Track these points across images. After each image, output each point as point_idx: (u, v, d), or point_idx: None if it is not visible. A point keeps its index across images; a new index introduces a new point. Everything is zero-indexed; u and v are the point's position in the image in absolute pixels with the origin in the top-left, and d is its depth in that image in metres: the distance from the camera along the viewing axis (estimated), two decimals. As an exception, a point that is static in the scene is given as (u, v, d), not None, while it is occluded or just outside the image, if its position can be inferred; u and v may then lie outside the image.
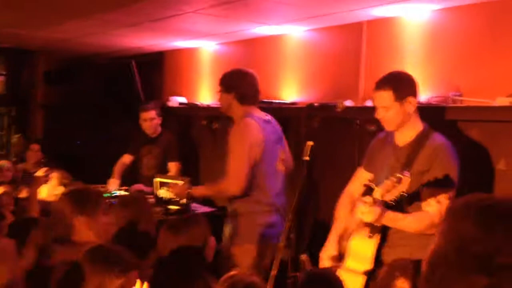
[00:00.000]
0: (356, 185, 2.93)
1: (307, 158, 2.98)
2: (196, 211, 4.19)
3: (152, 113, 4.83)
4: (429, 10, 3.47)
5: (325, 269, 2.68)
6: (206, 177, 4.13)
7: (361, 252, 2.57)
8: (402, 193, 2.40)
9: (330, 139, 3.78)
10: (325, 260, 2.76)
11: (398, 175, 2.40)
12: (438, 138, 2.64)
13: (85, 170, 5.62)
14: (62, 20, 4.51)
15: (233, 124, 3.42)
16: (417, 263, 2.05)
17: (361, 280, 2.55)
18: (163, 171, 4.67)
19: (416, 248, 2.53)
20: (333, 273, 2.46)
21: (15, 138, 6.88)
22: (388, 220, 2.51)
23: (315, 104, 3.47)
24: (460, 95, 3.20)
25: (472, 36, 3.30)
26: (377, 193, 2.46)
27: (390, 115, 2.66)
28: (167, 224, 2.54)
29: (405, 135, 2.70)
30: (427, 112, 3.27)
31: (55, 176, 4.21)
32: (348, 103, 3.62)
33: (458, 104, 3.19)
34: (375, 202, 2.45)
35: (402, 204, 2.55)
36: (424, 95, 3.44)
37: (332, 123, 3.67)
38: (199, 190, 3.64)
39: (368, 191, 2.59)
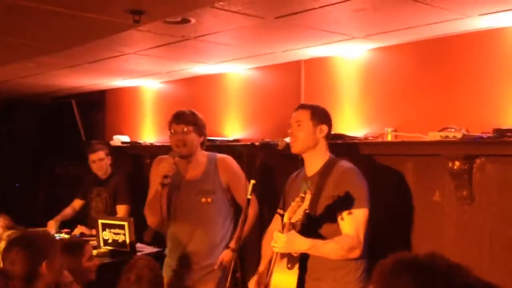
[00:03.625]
0: (275, 225, 2.97)
1: (249, 196, 3.02)
2: (142, 252, 4.13)
3: (100, 154, 4.73)
4: (363, 49, 3.61)
5: None
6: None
7: (282, 285, 2.55)
8: (305, 210, 2.44)
9: (273, 176, 3.83)
10: None
11: (301, 194, 2.46)
12: (344, 164, 2.77)
13: (25, 213, 5.45)
14: (-2, 63, 4.44)
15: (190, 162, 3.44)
16: None
17: None
18: (112, 214, 4.57)
19: (340, 279, 2.64)
20: None
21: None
22: (308, 249, 2.51)
23: (256, 143, 3.53)
24: (394, 131, 3.32)
25: (404, 74, 3.45)
26: (285, 217, 2.49)
27: (301, 132, 2.78)
28: None
29: (314, 165, 2.81)
30: (365, 147, 3.40)
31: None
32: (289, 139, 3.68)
33: (393, 139, 3.31)
34: (283, 227, 2.48)
35: (313, 223, 2.60)
36: (361, 130, 3.56)
37: (274, 160, 3.74)
38: (235, 242, 3.24)
39: (281, 218, 2.64)
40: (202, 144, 3.49)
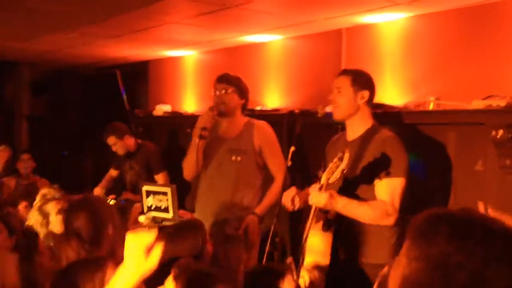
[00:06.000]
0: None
1: (289, 163, 3.04)
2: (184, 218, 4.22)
3: (111, 139, 4.67)
4: (405, 16, 3.54)
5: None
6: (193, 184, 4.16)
7: (317, 247, 2.57)
8: (343, 170, 2.43)
9: (312, 144, 3.84)
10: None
11: (339, 154, 2.44)
12: (386, 132, 2.74)
13: (72, 181, 5.62)
14: (45, 33, 4.54)
15: (226, 123, 3.48)
16: None
17: (321, 275, 2.55)
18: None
19: (374, 246, 2.63)
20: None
21: (-1, 149, 6.84)
22: (342, 206, 2.53)
23: (296, 111, 3.54)
24: (437, 99, 3.27)
25: (447, 41, 3.38)
26: (323, 178, 2.49)
27: (341, 99, 2.76)
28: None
29: (355, 130, 2.79)
30: (406, 116, 3.36)
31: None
32: (329, 108, 3.68)
33: (435, 108, 3.26)
34: (321, 187, 2.48)
35: (351, 187, 2.61)
36: (402, 99, 3.52)
37: (313, 129, 3.74)
38: (261, 209, 3.38)
39: (318, 180, 2.65)
40: (242, 108, 3.51)
